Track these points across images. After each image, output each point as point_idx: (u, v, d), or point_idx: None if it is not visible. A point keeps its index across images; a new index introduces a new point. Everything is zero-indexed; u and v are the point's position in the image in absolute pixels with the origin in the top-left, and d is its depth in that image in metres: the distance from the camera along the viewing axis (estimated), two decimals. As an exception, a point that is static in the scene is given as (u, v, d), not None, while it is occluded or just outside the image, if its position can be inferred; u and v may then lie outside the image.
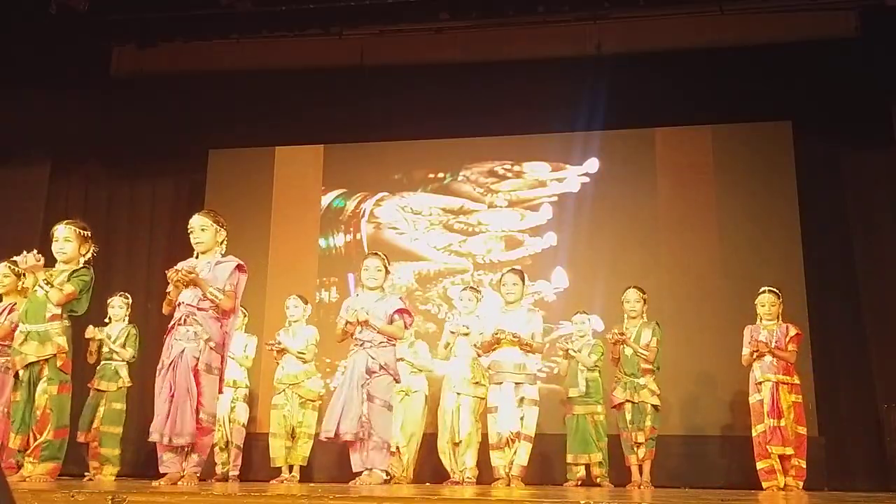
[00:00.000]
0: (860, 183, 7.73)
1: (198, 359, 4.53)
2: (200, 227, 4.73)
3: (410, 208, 8.39)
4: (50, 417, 4.70)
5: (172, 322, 4.64)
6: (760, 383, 5.99)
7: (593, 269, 7.90)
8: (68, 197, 8.65)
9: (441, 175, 8.42)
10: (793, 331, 6.06)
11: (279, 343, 6.78)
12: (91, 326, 6.58)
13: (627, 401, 6.33)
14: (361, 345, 5.31)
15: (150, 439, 4.53)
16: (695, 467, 7.12)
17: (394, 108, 8.31)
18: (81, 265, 4.93)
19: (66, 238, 4.92)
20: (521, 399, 5.75)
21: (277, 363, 6.84)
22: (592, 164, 8.16)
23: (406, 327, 5.53)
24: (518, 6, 7.64)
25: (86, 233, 4.99)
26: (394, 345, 5.44)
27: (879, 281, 7.45)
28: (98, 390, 6.67)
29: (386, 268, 5.49)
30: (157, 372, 4.61)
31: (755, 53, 7.61)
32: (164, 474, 4.47)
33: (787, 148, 7.74)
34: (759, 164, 7.85)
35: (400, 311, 5.38)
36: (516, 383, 5.77)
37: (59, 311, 4.84)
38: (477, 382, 6.38)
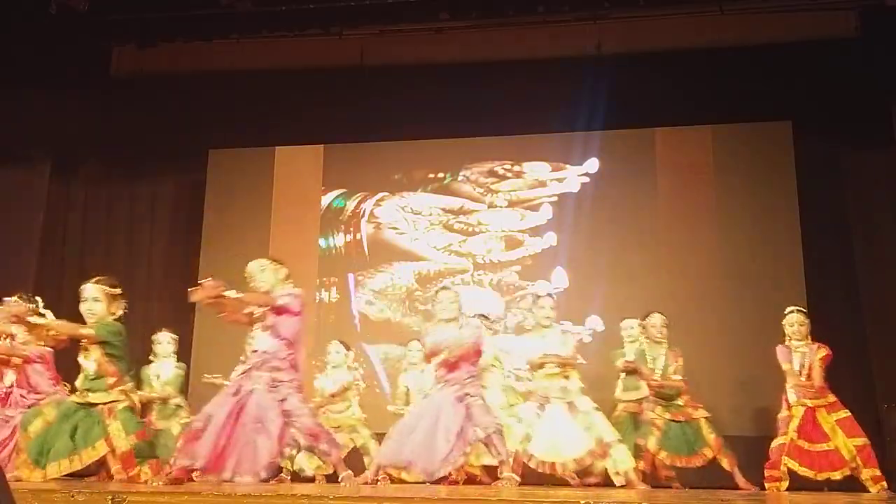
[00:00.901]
0: (860, 183, 7.72)
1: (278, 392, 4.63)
2: (260, 269, 4.79)
3: (410, 208, 8.39)
4: (120, 434, 4.60)
5: (248, 367, 4.68)
6: (793, 406, 5.85)
7: (593, 269, 7.90)
8: (68, 197, 8.66)
9: (441, 175, 8.41)
10: (822, 352, 5.91)
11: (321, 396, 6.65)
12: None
13: (672, 420, 6.17)
14: (447, 381, 5.21)
15: (183, 464, 4.51)
16: (695, 467, 7.09)
17: (394, 108, 8.29)
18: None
19: (94, 298, 4.74)
20: (584, 414, 5.69)
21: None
22: (592, 164, 8.15)
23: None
24: (518, 6, 7.63)
25: (115, 290, 4.80)
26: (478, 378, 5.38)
27: (879, 281, 7.45)
28: (158, 430, 6.52)
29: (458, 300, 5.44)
30: (221, 404, 4.62)
31: (755, 53, 7.61)
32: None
33: (787, 148, 7.73)
34: (759, 164, 7.85)
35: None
36: (568, 402, 5.75)
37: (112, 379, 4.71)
38: (512, 405, 6.21)
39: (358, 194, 8.51)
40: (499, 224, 8.21)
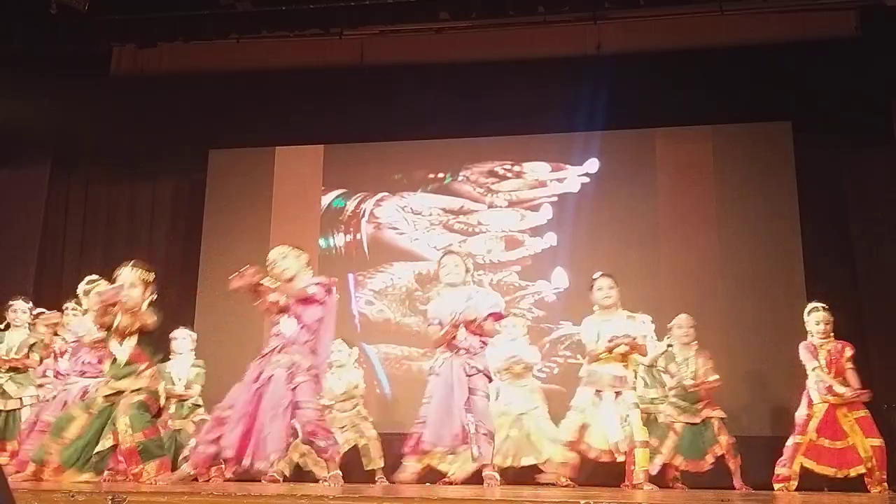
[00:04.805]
0: (860, 183, 7.72)
1: (293, 377, 4.61)
2: (281, 256, 4.83)
3: (410, 208, 8.38)
4: (127, 430, 4.53)
5: (267, 350, 4.71)
6: (815, 405, 5.83)
7: (593, 269, 7.85)
8: (68, 197, 8.67)
9: (441, 175, 8.41)
10: (849, 352, 5.89)
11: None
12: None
13: (689, 423, 6.20)
14: (457, 352, 5.17)
15: (223, 455, 4.52)
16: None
17: (394, 108, 8.30)
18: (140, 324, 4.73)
19: (131, 284, 4.75)
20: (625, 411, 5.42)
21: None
22: (592, 165, 8.15)
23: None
24: (518, 6, 7.63)
25: (150, 276, 4.85)
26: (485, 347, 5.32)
27: (879, 281, 7.44)
28: (175, 430, 6.45)
29: (465, 263, 5.43)
30: (242, 391, 4.62)
31: (755, 53, 7.62)
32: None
33: (787, 148, 7.73)
34: (759, 164, 7.85)
35: (494, 316, 5.28)
36: (616, 392, 5.45)
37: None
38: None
39: (358, 194, 8.50)
40: (499, 224, 8.20)
